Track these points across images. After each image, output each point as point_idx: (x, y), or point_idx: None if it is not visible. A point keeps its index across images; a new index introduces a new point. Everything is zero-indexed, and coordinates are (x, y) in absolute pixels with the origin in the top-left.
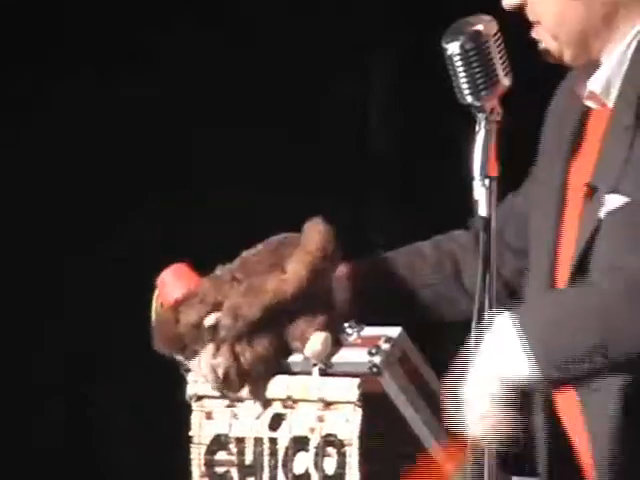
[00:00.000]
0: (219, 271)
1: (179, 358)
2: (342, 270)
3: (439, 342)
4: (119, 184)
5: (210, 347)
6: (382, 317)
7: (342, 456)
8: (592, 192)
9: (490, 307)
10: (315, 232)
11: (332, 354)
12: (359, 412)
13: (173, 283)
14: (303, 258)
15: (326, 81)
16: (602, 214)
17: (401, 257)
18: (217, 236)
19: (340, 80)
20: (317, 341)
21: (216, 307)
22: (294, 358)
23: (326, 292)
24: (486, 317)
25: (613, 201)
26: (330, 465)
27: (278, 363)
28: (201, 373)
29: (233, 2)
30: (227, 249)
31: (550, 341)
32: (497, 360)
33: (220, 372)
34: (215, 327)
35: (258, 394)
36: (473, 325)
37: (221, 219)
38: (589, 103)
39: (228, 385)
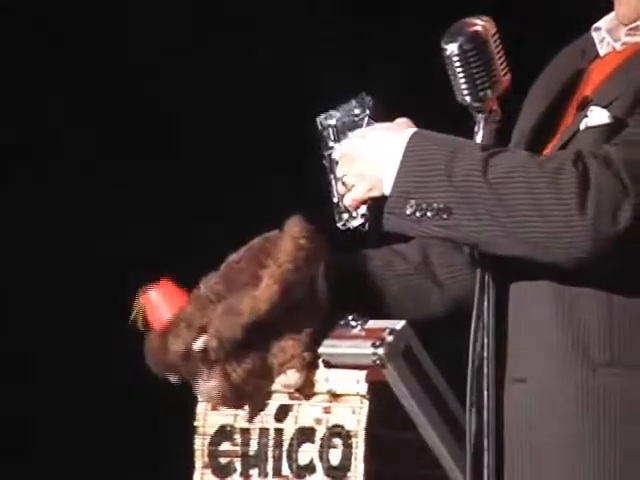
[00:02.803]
0: (203, 285)
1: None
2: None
3: (437, 340)
4: (116, 182)
5: (203, 371)
6: (363, 312)
7: (348, 447)
8: (584, 104)
9: (489, 307)
10: (288, 239)
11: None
12: (366, 404)
13: (160, 305)
14: (274, 272)
15: (326, 81)
16: (582, 125)
17: (375, 252)
18: (216, 233)
19: (340, 80)
20: (292, 379)
21: (203, 330)
22: None
23: (308, 298)
24: (484, 316)
25: (597, 116)
26: (335, 456)
27: (271, 376)
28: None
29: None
30: (226, 247)
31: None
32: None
33: (215, 395)
34: (205, 350)
35: (259, 407)
36: (472, 325)
37: (220, 217)
38: (627, 39)
39: (226, 405)
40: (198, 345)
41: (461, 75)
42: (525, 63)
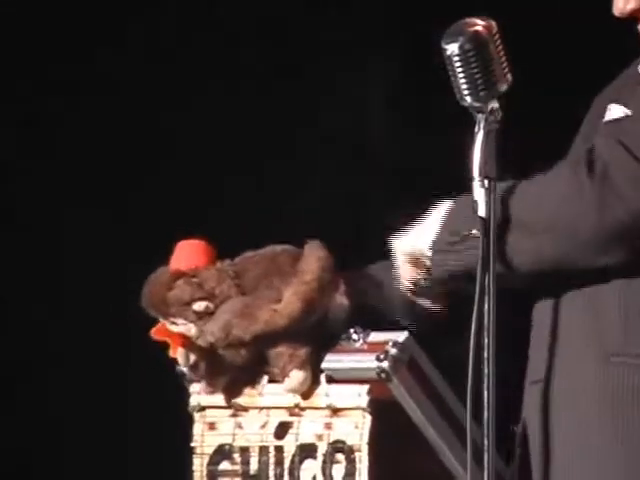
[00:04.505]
0: (219, 264)
1: (180, 369)
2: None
3: (439, 345)
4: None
5: (192, 328)
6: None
7: (351, 462)
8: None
9: (489, 310)
10: (314, 259)
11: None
12: (368, 418)
13: (186, 253)
14: (299, 289)
15: (326, 81)
16: (602, 121)
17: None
18: (219, 237)
19: (340, 80)
20: (295, 380)
21: (210, 296)
22: None
23: (318, 319)
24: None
25: (614, 111)
26: (339, 472)
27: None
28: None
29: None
30: (229, 248)
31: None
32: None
33: (192, 359)
34: (201, 313)
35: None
36: (472, 328)
37: (223, 219)
38: None
39: (194, 371)
40: (199, 306)
41: (461, 75)
42: (525, 63)
